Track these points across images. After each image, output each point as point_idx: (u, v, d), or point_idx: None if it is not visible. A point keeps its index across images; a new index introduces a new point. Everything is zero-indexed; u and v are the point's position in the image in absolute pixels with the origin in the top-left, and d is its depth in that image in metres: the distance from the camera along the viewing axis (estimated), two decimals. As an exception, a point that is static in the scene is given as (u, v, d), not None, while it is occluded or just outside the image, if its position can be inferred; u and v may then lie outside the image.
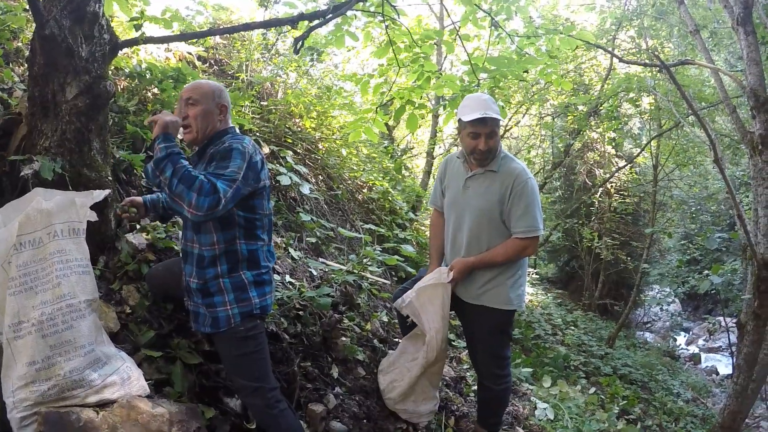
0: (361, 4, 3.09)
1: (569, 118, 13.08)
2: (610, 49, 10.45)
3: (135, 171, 3.47)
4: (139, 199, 2.73)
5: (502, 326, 3.11)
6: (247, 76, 5.99)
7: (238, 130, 2.59)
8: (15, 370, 2.01)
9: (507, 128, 13.73)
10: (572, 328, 11.39)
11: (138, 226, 3.04)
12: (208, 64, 6.15)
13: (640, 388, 8.86)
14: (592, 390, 6.65)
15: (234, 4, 7.43)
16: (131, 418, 2.06)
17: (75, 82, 2.75)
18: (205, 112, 2.43)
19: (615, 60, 11.57)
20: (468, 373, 4.42)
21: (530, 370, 6.01)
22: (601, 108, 12.55)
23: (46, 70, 2.70)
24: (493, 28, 4.06)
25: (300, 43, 2.92)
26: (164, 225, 3.25)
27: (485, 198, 2.97)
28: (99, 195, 2.17)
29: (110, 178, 2.92)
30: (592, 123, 12.87)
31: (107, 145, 3.02)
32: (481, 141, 2.90)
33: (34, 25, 3.90)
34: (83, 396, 2.06)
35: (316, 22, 2.95)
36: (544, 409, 4.52)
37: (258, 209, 2.42)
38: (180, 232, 3.33)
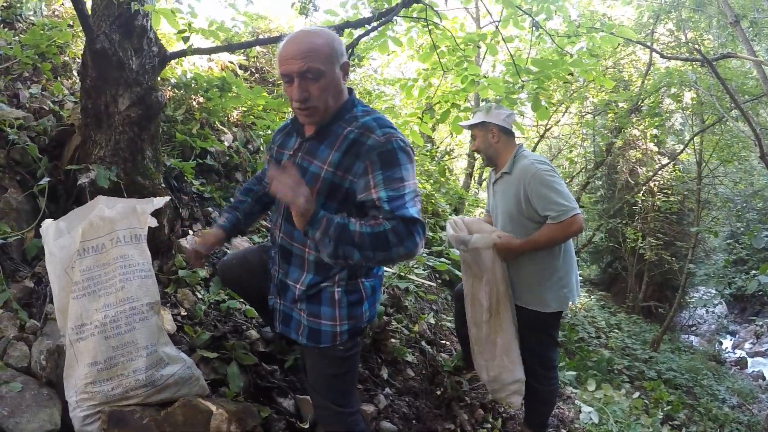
0: (404, 10, 3.13)
1: (610, 115, 12.86)
2: (649, 44, 10.25)
3: (185, 178, 3.57)
4: (212, 237, 2.27)
5: (543, 327, 3.11)
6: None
7: None
8: (77, 370, 2.08)
9: (547, 128, 13.60)
10: (616, 330, 11.19)
11: (191, 232, 3.12)
12: (249, 72, 6.27)
13: (684, 393, 8.65)
14: (636, 394, 6.51)
15: (272, 13, 7.56)
16: (192, 416, 2.12)
17: (127, 93, 2.84)
18: (333, 82, 1.81)
19: (655, 55, 11.35)
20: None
21: (574, 373, 5.93)
22: (642, 104, 12.31)
23: (98, 82, 2.79)
24: (533, 28, 4.06)
25: (350, 50, 2.97)
26: None
27: (505, 200, 3.05)
28: (159, 202, 2.23)
29: (163, 185, 3.02)
30: (634, 120, 12.62)
31: (159, 153, 3.11)
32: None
33: (79, 40, 4.07)
34: (146, 395, 2.13)
35: (362, 30, 3.01)
36: (589, 412, 4.46)
37: None
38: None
